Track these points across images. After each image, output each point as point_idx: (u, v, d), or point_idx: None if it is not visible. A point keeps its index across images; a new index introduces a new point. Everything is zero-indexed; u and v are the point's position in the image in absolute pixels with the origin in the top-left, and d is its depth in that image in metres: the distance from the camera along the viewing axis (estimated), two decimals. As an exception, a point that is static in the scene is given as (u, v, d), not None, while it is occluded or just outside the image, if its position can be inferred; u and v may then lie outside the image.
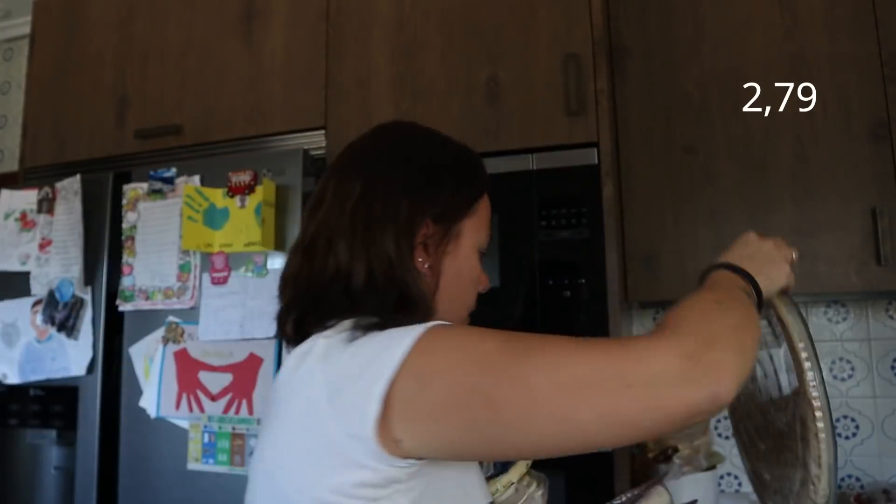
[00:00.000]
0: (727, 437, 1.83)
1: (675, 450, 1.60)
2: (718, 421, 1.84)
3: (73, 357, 1.59)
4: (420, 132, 0.88)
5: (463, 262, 0.83)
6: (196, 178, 1.58)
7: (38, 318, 1.64)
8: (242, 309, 1.48)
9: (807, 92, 1.58)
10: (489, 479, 0.72)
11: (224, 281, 1.51)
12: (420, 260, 0.79)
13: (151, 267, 1.58)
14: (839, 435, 1.76)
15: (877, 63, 1.53)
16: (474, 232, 0.84)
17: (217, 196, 1.54)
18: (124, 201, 1.64)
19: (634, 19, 1.72)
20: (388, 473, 0.60)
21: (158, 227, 1.60)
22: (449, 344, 0.61)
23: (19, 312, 1.67)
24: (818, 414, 0.62)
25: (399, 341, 0.61)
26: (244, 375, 1.46)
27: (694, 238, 1.61)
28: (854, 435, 1.75)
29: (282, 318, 0.78)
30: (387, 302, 0.72)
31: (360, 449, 0.60)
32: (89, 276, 1.62)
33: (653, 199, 1.65)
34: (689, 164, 1.64)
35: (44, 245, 1.67)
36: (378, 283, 0.73)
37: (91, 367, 1.58)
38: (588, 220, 1.43)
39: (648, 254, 1.63)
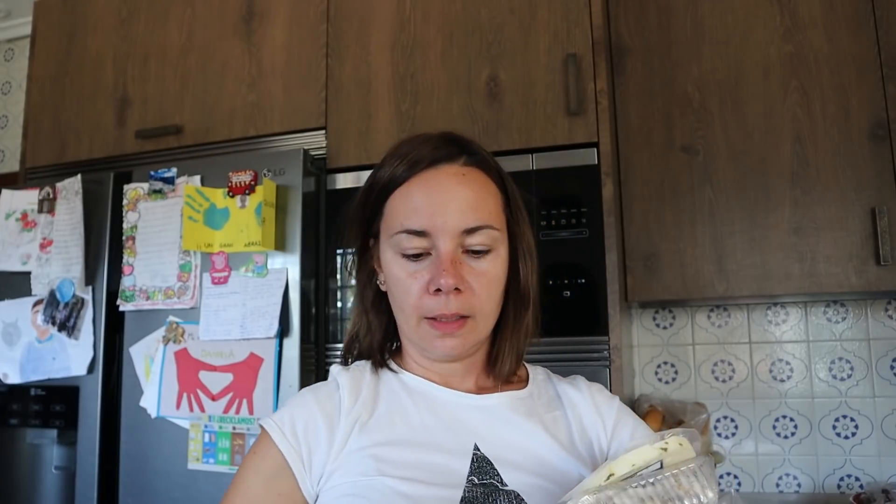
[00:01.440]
0: (727, 437, 1.83)
1: (675, 449, 1.60)
2: (718, 420, 1.84)
3: (74, 357, 1.60)
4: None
5: (387, 269, 0.78)
6: (196, 179, 1.58)
7: (39, 318, 1.64)
8: (243, 309, 1.48)
9: (806, 92, 1.58)
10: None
11: (224, 281, 1.51)
12: (379, 283, 0.82)
13: (152, 267, 1.59)
14: (839, 434, 1.76)
15: (876, 63, 1.53)
16: (386, 235, 0.78)
17: (217, 196, 1.54)
18: (125, 201, 1.64)
19: (634, 19, 1.72)
20: None
21: (159, 227, 1.60)
22: None
23: (20, 312, 1.68)
24: None
25: None
26: (244, 375, 1.46)
27: (694, 238, 1.61)
28: (853, 434, 1.75)
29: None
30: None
31: None
32: (90, 276, 1.62)
33: (653, 199, 1.65)
34: (689, 164, 1.64)
35: (45, 245, 1.67)
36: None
37: (92, 367, 1.58)
38: (588, 220, 1.44)
39: (648, 254, 1.64)
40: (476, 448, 0.74)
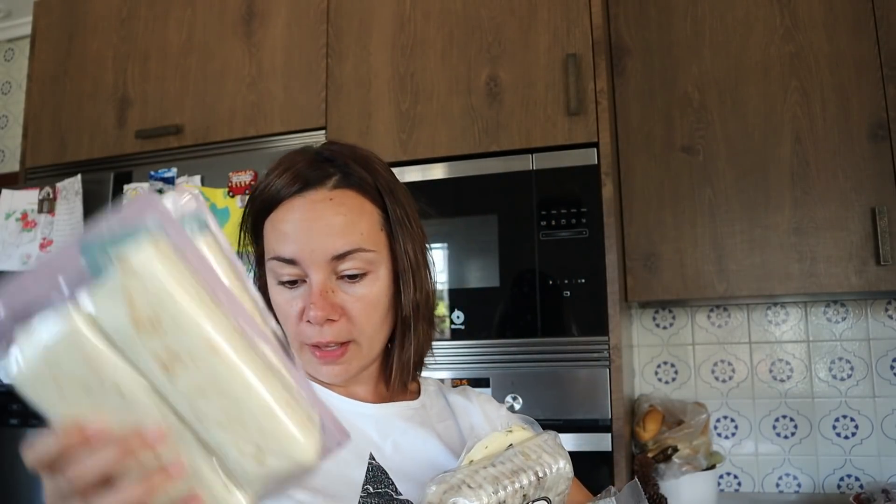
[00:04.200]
0: (727, 437, 1.83)
1: (675, 449, 1.60)
2: (718, 420, 1.84)
3: (74, 357, 1.60)
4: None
5: (270, 291, 0.76)
6: (197, 179, 1.58)
7: (39, 318, 1.64)
8: (243, 309, 1.48)
9: (806, 92, 1.58)
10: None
11: (224, 281, 1.51)
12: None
13: (152, 267, 1.58)
14: (839, 434, 1.76)
15: (876, 63, 1.53)
16: (266, 258, 0.76)
17: (218, 196, 1.54)
18: (125, 201, 1.64)
19: (634, 19, 1.72)
20: None
21: (159, 227, 1.60)
22: None
23: (20, 312, 1.67)
24: None
25: None
26: (244, 375, 1.46)
27: (694, 238, 1.61)
28: (853, 434, 1.75)
29: None
30: None
31: None
32: (90, 276, 1.62)
33: (653, 199, 1.65)
34: (689, 164, 1.64)
35: (45, 245, 1.67)
36: None
37: (92, 367, 1.58)
38: (588, 220, 1.44)
39: (648, 254, 1.64)
40: (371, 457, 0.73)
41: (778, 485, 1.79)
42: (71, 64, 1.94)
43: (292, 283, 0.73)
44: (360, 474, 0.71)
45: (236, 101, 1.74)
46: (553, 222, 1.46)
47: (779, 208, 1.57)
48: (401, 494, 0.71)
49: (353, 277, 0.73)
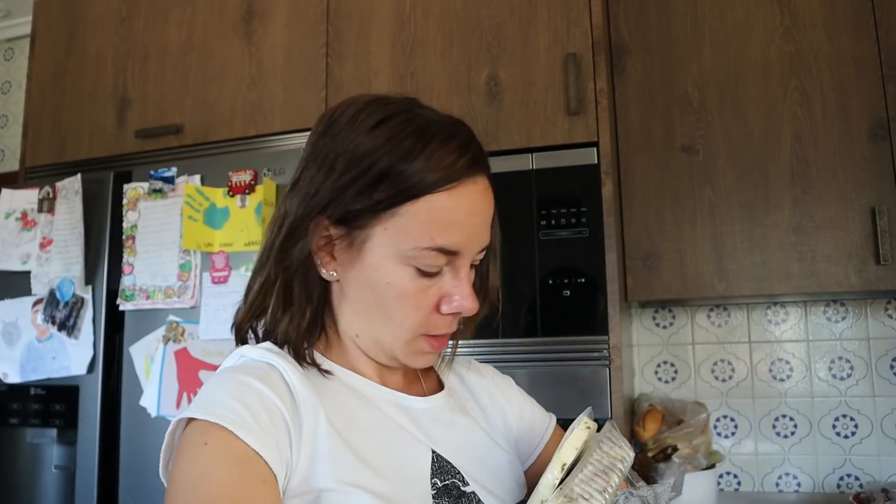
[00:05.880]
0: (727, 437, 1.83)
1: (675, 449, 1.60)
2: (718, 420, 1.84)
3: (74, 356, 1.60)
4: (375, 102, 0.69)
5: (372, 273, 0.67)
6: (196, 178, 1.58)
7: (39, 318, 1.64)
8: (243, 308, 1.48)
9: (806, 92, 1.58)
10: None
11: (224, 280, 1.51)
12: (323, 269, 0.69)
13: (152, 266, 1.59)
14: (839, 434, 1.76)
15: (876, 63, 1.53)
16: (393, 239, 0.65)
17: (217, 196, 1.54)
18: (125, 201, 1.64)
19: (634, 19, 1.72)
20: None
21: (159, 227, 1.60)
22: None
23: (20, 312, 1.67)
24: None
25: None
26: (244, 375, 1.46)
27: (694, 238, 1.61)
28: (853, 434, 1.75)
29: None
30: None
31: None
32: (90, 276, 1.62)
33: (653, 199, 1.65)
34: (689, 164, 1.64)
35: (44, 244, 1.67)
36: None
37: (92, 367, 1.58)
38: (588, 219, 1.44)
39: (648, 253, 1.64)
40: (432, 450, 0.70)
41: (778, 484, 1.79)
42: (71, 63, 1.93)
43: (429, 273, 0.67)
44: (425, 467, 0.68)
45: (236, 101, 1.74)
46: (553, 222, 1.46)
47: (779, 208, 1.57)
48: (468, 485, 0.69)
49: (471, 267, 0.71)
